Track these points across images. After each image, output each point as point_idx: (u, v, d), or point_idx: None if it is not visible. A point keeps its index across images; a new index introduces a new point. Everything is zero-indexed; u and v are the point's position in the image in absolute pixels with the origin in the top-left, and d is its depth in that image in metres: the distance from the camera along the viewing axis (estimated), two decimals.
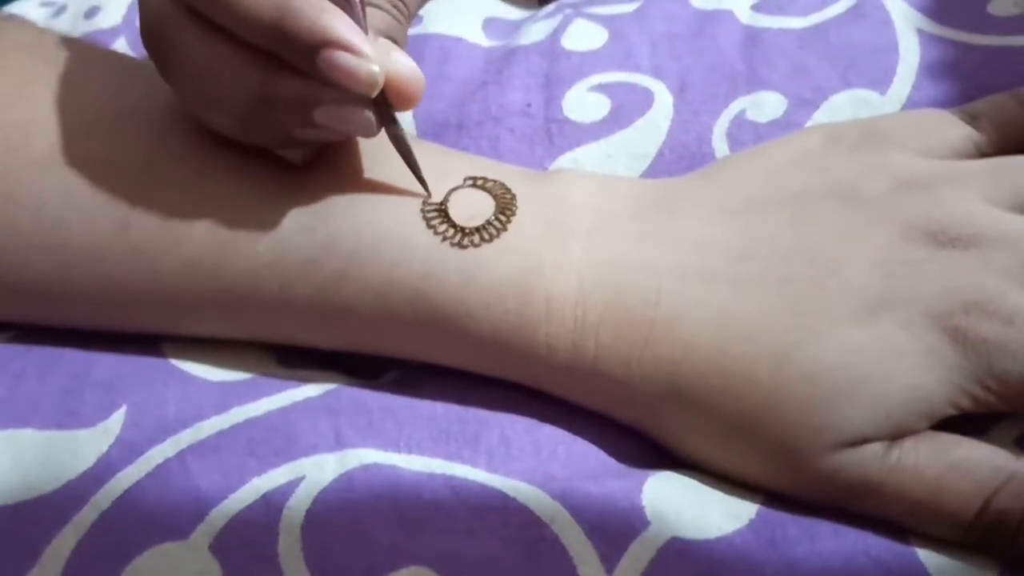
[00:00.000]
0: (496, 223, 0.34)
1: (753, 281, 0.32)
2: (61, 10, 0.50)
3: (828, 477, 0.31)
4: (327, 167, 0.35)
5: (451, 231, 0.34)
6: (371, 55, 0.31)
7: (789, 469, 0.31)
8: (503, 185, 0.35)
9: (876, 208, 0.33)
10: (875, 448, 0.31)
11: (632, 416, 0.33)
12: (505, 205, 0.34)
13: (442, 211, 0.34)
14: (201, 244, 0.34)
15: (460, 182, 0.35)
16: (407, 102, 0.33)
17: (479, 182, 0.35)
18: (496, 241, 0.34)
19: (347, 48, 0.31)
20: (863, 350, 0.31)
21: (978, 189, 0.33)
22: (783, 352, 0.31)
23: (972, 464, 0.31)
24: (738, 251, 0.33)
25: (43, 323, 0.37)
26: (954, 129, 0.35)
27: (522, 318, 0.33)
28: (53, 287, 0.35)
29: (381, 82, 0.31)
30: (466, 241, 0.34)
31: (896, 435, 0.31)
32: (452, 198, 0.35)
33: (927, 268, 0.32)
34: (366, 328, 0.34)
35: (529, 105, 0.43)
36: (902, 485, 0.30)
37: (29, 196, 0.35)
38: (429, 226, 0.34)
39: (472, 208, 0.34)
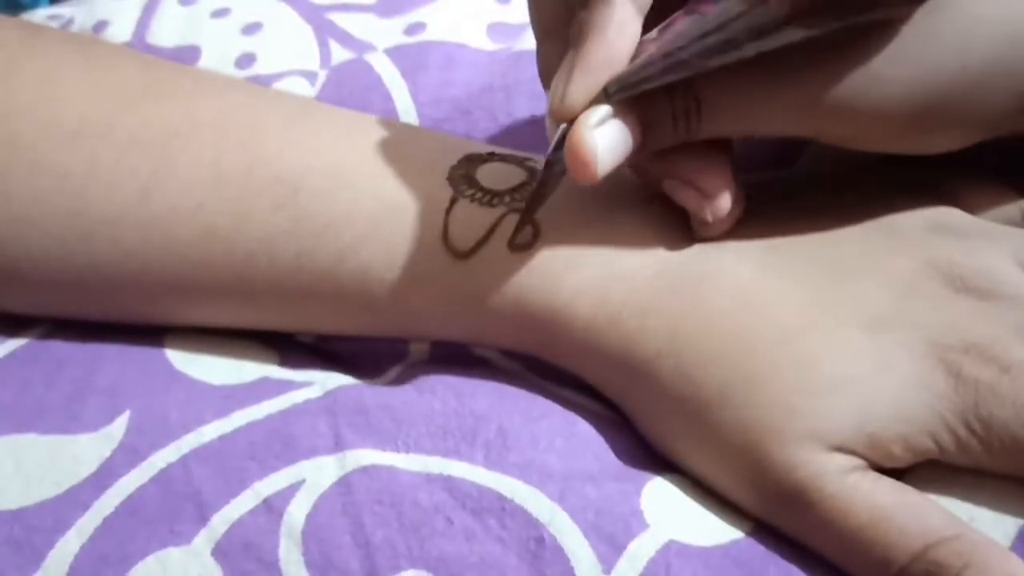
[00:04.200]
0: (528, 186, 0.34)
1: (775, 269, 0.33)
2: (68, 23, 0.51)
3: (783, 472, 0.30)
4: (350, 144, 0.36)
5: (480, 193, 0.34)
6: (555, 104, 0.31)
7: (749, 453, 0.31)
8: (532, 159, 0.35)
9: (906, 240, 0.33)
10: (841, 461, 0.30)
11: (622, 381, 0.33)
12: (536, 172, 0.34)
13: (469, 177, 0.34)
14: (219, 212, 0.35)
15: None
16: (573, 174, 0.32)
17: (507, 157, 0.35)
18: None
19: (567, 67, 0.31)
20: (860, 354, 0.31)
21: (1012, 251, 0.33)
22: (786, 334, 0.32)
23: (926, 509, 0.30)
24: (769, 244, 0.34)
25: (56, 311, 0.37)
26: (1009, 197, 0.35)
27: (548, 265, 0.33)
28: (71, 259, 0.36)
29: (557, 113, 0.31)
30: (496, 201, 0.33)
31: (869, 455, 0.30)
32: (480, 170, 0.35)
33: (939, 304, 0.32)
34: (384, 294, 0.34)
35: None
36: (848, 506, 0.30)
37: (54, 165, 0.36)
38: (456, 191, 0.34)
39: (501, 177, 0.34)
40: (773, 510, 0.31)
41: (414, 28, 0.49)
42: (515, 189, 0.34)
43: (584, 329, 0.33)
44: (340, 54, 0.49)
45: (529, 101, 0.45)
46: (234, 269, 0.35)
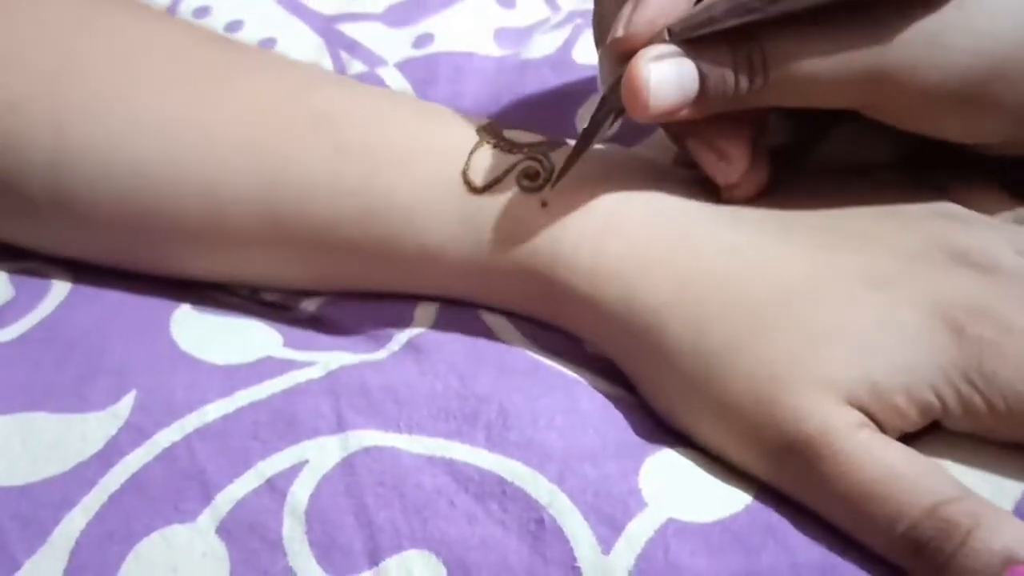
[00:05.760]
0: (545, 144, 0.36)
1: (777, 233, 0.34)
2: None
3: (792, 422, 0.30)
4: (386, 96, 0.39)
5: (502, 143, 0.36)
6: (619, 33, 0.33)
7: (757, 403, 0.31)
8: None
9: (911, 220, 0.34)
10: (850, 418, 0.30)
11: (625, 338, 0.34)
12: (555, 140, 0.36)
13: (495, 130, 0.36)
14: (263, 124, 0.37)
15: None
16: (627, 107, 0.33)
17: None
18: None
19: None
20: (864, 308, 0.31)
21: (1010, 239, 0.34)
22: (790, 290, 0.32)
23: (935, 470, 0.30)
24: (769, 212, 0.35)
25: (100, 247, 0.40)
26: (1007, 203, 0.36)
27: (554, 212, 0.35)
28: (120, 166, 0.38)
29: (616, 44, 0.33)
30: (515, 149, 0.36)
31: (874, 407, 0.31)
32: (505, 130, 0.37)
33: (944, 271, 0.32)
34: (402, 222, 0.36)
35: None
36: (858, 461, 0.30)
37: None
38: (481, 137, 0.36)
39: (523, 138, 0.36)
40: (779, 467, 0.31)
41: (423, 40, 0.49)
42: (534, 145, 0.36)
43: (586, 280, 0.34)
44: (353, 67, 0.49)
45: (538, 111, 0.46)
46: (266, 179, 0.37)
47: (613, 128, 0.35)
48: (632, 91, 0.32)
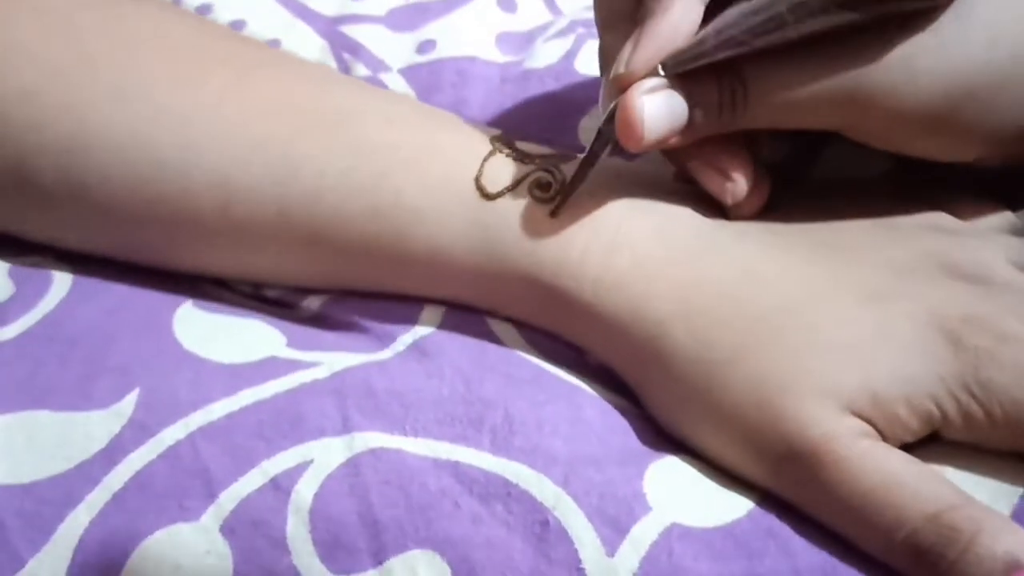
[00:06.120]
0: (556, 156, 0.36)
1: (778, 247, 0.34)
2: None
3: (796, 429, 0.31)
4: (402, 102, 0.39)
5: (515, 153, 0.36)
6: (620, 69, 0.34)
7: (762, 410, 0.32)
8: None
9: (904, 234, 0.35)
10: (852, 425, 0.31)
11: (630, 348, 0.34)
12: (566, 153, 0.37)
13: (508, 141, 0.37)
14: (279, 121, 0.37)
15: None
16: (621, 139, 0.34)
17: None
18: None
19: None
20: (862, 323, 0.32)
21: (1002, 248, 0.34)
22: (791, 303, 0.33)
23: (937, 478, 0.30)
24: (771, 227, 0.35)
25: (110, 239, 0.39)
26: (997, 211, 0.37)
27: (563, 223, 0.35)
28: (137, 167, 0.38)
29: (617, 80, 0.34)
30: (528, 160, 0.36)
31: (876, 418, 0.31)
32: (518, 142, 0.37)
33: (937, 284, 0.33)
34: (411, 223, 0.36)
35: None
36: (860, 468, 0.30)
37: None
38: (495, 147, 0.36)
39: (535, 150, 0.37)
40: (781, 474, 0.32)
41: (426, 46, 0.49)
42: (547, 157, 0.36)
43: (591, 290, 0.34)
44: (356, 71, 0.49)
45: (542, 121, 0.46)
46: (278, 174, 0.37)
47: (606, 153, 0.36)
48: (626, 123, 0.33)
